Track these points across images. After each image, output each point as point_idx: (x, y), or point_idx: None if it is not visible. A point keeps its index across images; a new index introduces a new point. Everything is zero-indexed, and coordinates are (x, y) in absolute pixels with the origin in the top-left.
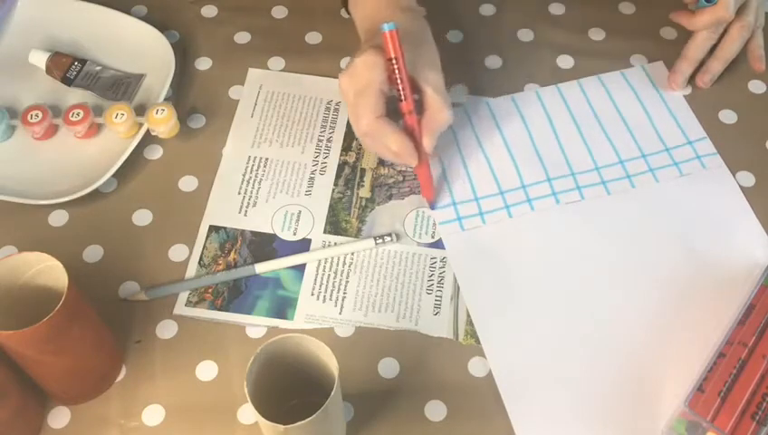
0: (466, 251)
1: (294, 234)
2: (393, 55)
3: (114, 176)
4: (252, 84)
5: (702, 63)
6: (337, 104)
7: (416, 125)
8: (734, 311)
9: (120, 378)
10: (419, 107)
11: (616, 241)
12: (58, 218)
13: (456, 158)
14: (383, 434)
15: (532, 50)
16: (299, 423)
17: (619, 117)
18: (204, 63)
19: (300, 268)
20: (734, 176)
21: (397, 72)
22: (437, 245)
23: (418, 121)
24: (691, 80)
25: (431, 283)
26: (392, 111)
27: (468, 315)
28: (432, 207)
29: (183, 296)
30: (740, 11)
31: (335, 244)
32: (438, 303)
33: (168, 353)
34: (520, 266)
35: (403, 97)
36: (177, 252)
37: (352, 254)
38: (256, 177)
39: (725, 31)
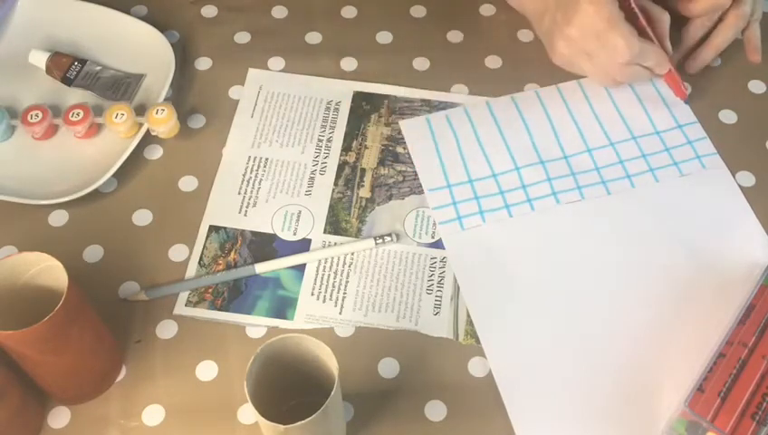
0: (466, 251)
1: (294, 234)
2: None
3: (114, 176)
4: (252, 84)
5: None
6: (337, 104)
7: (654, 35)
8: (734, 311)
9: (120, 378)
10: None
11: (616, 241)
12: (58, 218)
13: (456, 157)
14: (383, 434)
15: (532, 50)
16: (299, 423)
17: (618, 117)
18: (204, 63)
19: (300, 268)
20: (733, 176)
21: None
22: (437, 245)
23: (653, 30)
24: (686, 75)
25: (431, 283)
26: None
27: (468, 315)
28: (686, 101)
29: (183, 296)
30: (737, 0)
31: (335, 244)
32: (438, 303)
33: (168, 353)
34: (520, 266)
35: (639, 13)
36: (177, 252)
37: (352, 254)
38: (256, 177)
39: (720, 19)
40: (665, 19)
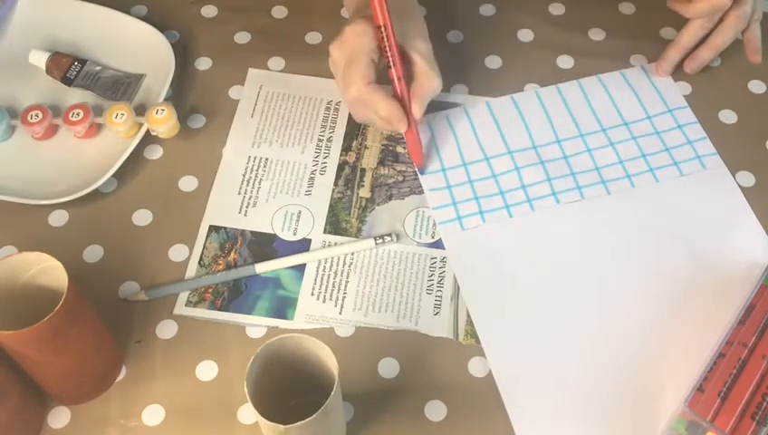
0: (466, 251)
1: (294, 234)
2: (382, 23)
3: (114, 176)
4: (252, 84)
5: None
6: (337, 104)
7: (405, 92)
8: (734, 311)
9: (120, 378)
10: (408, 76)
11: (616, 241)
12: (58, 218)
13: (456, 157)
14: (383, 434)
15: (532, 50)
16: (299, 423)
17: (618, 117)
18: (204, 63)
19: (300, 268)
20: (733, 176)
21: (385, 39)
22: (437, 245)
23: (408, 89)
24: (686, 75)
25: (431, 283)
26: (382, 80)
27: (468, 315)
28: (422, 172)
29: (183, 296)
30: (737, 0)
31: (335, 244)
32: (438, 303)
33: (168, 353)
34: (520, 266)
35: (392, 64)
36: (177, 252)
37: (352, 254)
38: (256, 177)
39: (720, 19)
40: (429, 86)
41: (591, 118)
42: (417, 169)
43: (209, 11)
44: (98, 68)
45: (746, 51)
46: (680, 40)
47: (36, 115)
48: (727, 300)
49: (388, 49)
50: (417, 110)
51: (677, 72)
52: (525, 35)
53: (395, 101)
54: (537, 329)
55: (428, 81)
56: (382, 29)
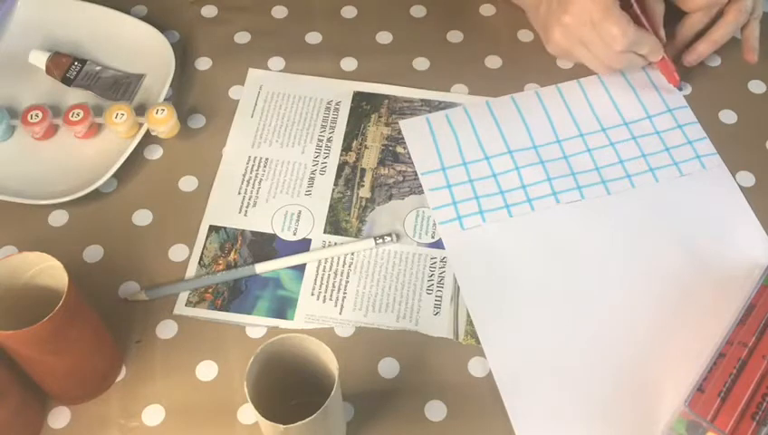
0: (466, 251)
1: (294, 234)
2: None
3: (114, 176)
4: (252, 84)
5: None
6: (337, 104)
7: (646, 23)
8: (734, 311)
9: (120, 378)
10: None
11: (616, 241)
12: (58, 218)
13: (456, 157)
14: (383, 434)
15: (532, 50)
16: (299, 423)
17: (618, 117)
18: (204, 63)
19: (300, 268)
20: (733, 176)
21: None
22: (437, 245)
23: (647, 18)
24: (687, 75)
25: (431, 283)
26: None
27: (468, 315)
28: (680, 88)
29: (183, 296)
30: None
31: (335, 244)
32: (438, 303)
33: (168, 353)
34: (520, 266)
35: (634, 1)
36: (177, 252)
37: (352, 254)
38: (256, 177)
39: (720, 14)
40: (659, 7)
41: (591, 118)
42: (675, 88)
43: (209, 11)
44: (98, 68)
45: (743, 49)
46: (677, 33)
47: (36, 115)
48: (727, 300)
49: None
50: (662, 34)
51: (678, 73)
52: (525, 35)
53: (652, 34)
54: (537, 329)
55: (655, 4)
56: None
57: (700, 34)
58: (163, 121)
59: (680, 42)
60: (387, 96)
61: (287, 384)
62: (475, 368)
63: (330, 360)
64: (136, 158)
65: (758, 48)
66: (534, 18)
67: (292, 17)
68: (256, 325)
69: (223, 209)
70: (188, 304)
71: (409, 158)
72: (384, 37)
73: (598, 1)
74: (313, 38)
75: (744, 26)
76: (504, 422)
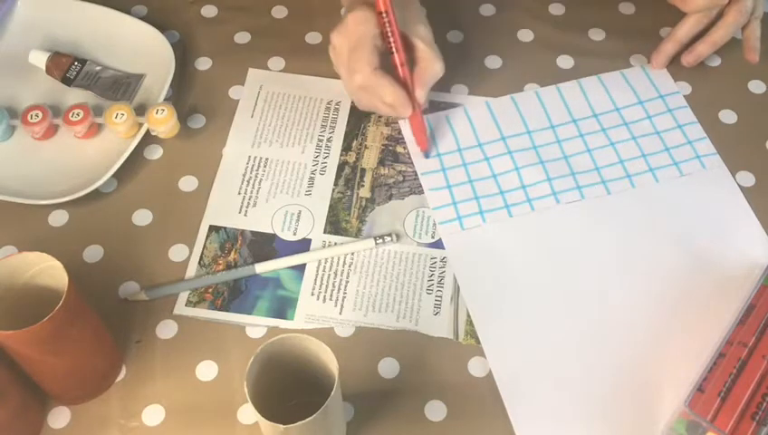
0: (466, 251)
1: (294, 234)
2: (383, 9)
3: (114, 176)
4: (252, 84)
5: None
6: (337, 104)
7: (408, 77)
8: (734, 311)
9: (120, 378)
10: (411, 61)
11: (616, 241)
12: (58, 218)
13: (456, 157)
14: (383, 434)
15: (532, 50)
16: (299, 423)
17: (618, 117)
18: (204, 63)
19: (300, 268)
20: (733, 176)
21: (387, 24)
22: (437, 245)
23: (411, 74)
24: (687, 75)
25: (431, 283)
26: (384, 66)
27: (468, 315)
28: (426, 155)
29: (183, 296)
30: None
31: (335, 244)
32: (438, 303)
33: (168, 353)
34: (520, 266)
35: (395, 49)
36: (177, 252)
37: (352, 254)
38: (256, 177)
39: (720, 15)
40: (432, 70)
41: (591, 118)
42: (422, 154)
43: (209, 11)
44: (98, 68)
45: (744, 49)
46: (676, 33)
47: (36, 115)
48: (727, 300)
49: (390, 35)
50: (421, 94)
51: (678, 72)
52: (525, 35)
53: (400, 87)
54: (537, 329)
55: (431, 65)
56: (384, 15)
57: (699, 35)
58: (163, 121)
59: (679, 42)
60: None
61: (287, 384)
62: (475, 368)
63: (330, 360)
64: (136, 158)
65: (759, 48)
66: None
67: (292, 17)
68: (256, 325)
69: (223, 209)
70: (188, 304)
71: (409, 158)
72: None
73: (359, 31)
74: (313, 38)
75: (744, 26)
76: (504, 422)
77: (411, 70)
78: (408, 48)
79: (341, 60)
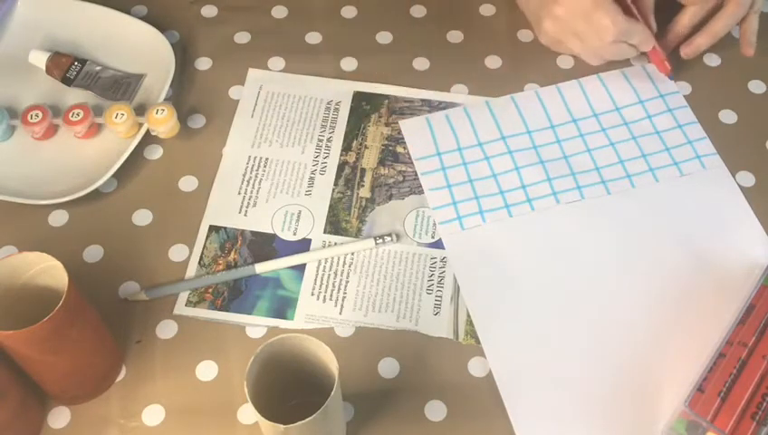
0: (466, 251)
1: (294, 234)
2: None
3: (114, 176)
4: (252, 84)
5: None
6: (337, 104)
7: (640, 12)
8: (734, 311)
9: (120, 378)
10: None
11: (616, 241)
12: (58, 218)
13: (456, 157)
14: (383, 434)
15: (532, 50)
16: (299, 423)
17: (618, 116)
18: (204, 63)
19: (300, 268)
20: (733, 176)
21: None
22: (437, 245)
23: (638, 8)
24: (686, 74)
25: (431, 283)
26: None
27: (468, 315)
28: (671, 77)
29: (183, 296)
30: None
31: (335, 244)
32: (438, 303)
33: (168, 353)
34: (520, 266)
35: None
36: (177, 252)
37: (352, 254)
38: (256, 177)
39: (720, 6)
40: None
41: (591, 117)
42: (668, 78)
43: (209, 11)
44: (98, 68)
45: (741, 43)
46: (674, 26)
47: (36, 115)
48: (727, 300)
49: None
50: (654, 24)
51: (678, 72)
52: (525, 35)
53: (644, 25)
54: (537, 329)
55: None
56: None
57: (698, 27)
58: (163, 121)
59: (678, 34)
60: (387, 96)
61: (287, 384)
62: (475, 368)
63: (330, 360)
64: (136, 158)
65: (755, 43)
66: (525, 8)
67: (292, 17)
68: (256, 325)
69: (223, 209)
70: (188, 304)
71: (409, 158)
72: (384, 37)
73: None
74: (313, 38)
75: (742, 20)
76: (504, 422)
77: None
78: None
79: (576, 25)
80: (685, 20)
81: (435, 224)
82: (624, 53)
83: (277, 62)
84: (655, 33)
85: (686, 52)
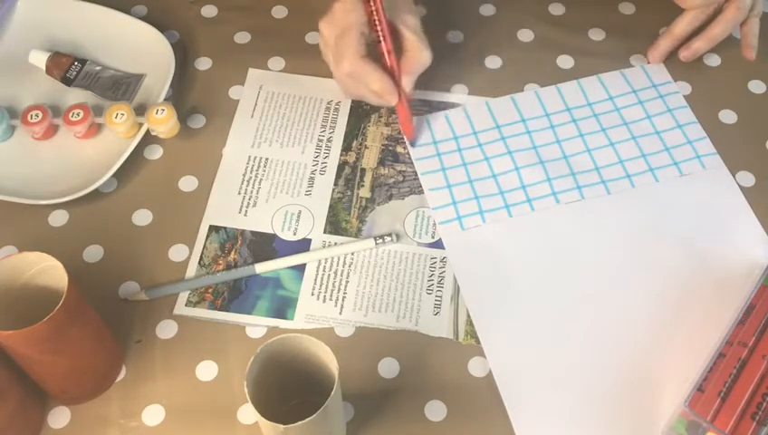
0: (466, 251)
1: (294, 234)
2: None
3: (114, 176)
4: (252, 84)
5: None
6: (337, 104)
7: (395, 65)
8: (734, 311)
9: (120, 378)
10: (398, 49)
11: (616, 241)
12: (58, 218)
13: (455, 157)
14: (383, 434)
15: (532, 50)
16: (299, 423)
17: (618, 117)
18: (204, 63)
19: (300, 268)
20: (733, 176)
21: (375, 13)
22: (437, 245)
23: (398, 62)
24: (686, 74)
25: (431, 283)
26: (371, 55)
27: (468, 315)
28: (412, 144)
29: (183, 296)
30: None
31: (335, 244)
32: (438, 303)
33: (168, 353)
34: (520, 266)
35: (382, 38)
36: (177, 252)
37: (352, 254)
38: (256, 177)
39: (720, 11)
40: (419, 59)
41: (591, 118)
42: (408, 143)
43: (209, 11)
44: (98, 68)
45: (741, 46)
46: (673, 29)
47: (36, 115)
48: (727, 300)
49: (377, 23)
50: (408, 82)
51: (678, 72)
52: (525, 35)
53: (386, 75)
54: (537, 329)
55: (418, 54)
56: (371, 2)
57: (697, 31)
58: (163, 121)
59: (677, 37)
60: None
61: (287, 384)
62: (475, 368)
63: (330, 360)
64: (136, 158)
65: (757, 46)
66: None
67: (292, 17)
68: (256, 325)
69: (223, 209)
70: (188, 304)
71: (409, 158)
72: None
73: (346, 20)
74: (313, 38)
75: (743, 23)
76: (504, 422)
77: (398, 58)
78: (396, 37)
79: (329, 48)
80: (684, 24)
81: (435, 224)
82: (365, 96)
83: (277, 62)
84: (407, 94)
85: (684, 55)
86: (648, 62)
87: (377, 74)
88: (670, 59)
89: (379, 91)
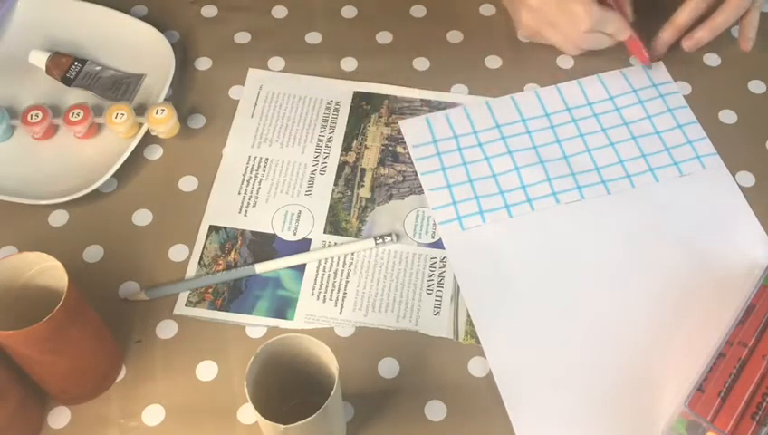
0: (466, 251)
1: (294, 234)
2: None
3: (114, 176)
4: (252, 84)
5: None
6: (337, 104)
7: (613, 2)
8: (734, 311)
9: (120, 378)
10: None
11: (616, 241)
12: (58, 218)
13: (455, 157)
14: (383, 434)
15: (533, 50)
16: (299, 423)
17: (618, 116)
18: (204, 63)
19: (300, 268)
20: (733, 176)
21: None
22: (437, 245)
23: None
24: (686, 74)
25: (431, 283)
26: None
27: (468, 315)
28: (650, 66)
29: (183, 296)
30: None
31: (335, 244)
32: (438, 303)
33: (168, 353)
34: (520, 266)
35: None
36: (177, 252)
37: (352, 254)
38: (256, 177)
39: (722, 1)
40: None
41: (591, 118)
42: (644, 67)
43: (209, 11)
44: (98, 68)
45: (739, 37)
46: (675, 20)
47: (36, 115)
48: (727, 300)
49: None
50: (630, 12)
51: (678, 72)
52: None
53: (617, 13)
54: (537, 329)
55: None
56: None
57: (699, 21)
58: (163, 121)
59: (679, 28)
60: (387, 96)
61: (287, 384)
62: (475, 368)
63: (330, 360)
64: (136, 158)
65: (754, 39)
66: (506, 2)
67: (292, 17)
68: (256, 325)
69: (223, 209)
70: (188, 304)
71: (409, 158)
72: (384, 37)
73: None
74: (313, 38)
75: (743, 15)
76: (504, 422)
77: None
78: None
79: (550, 14)
80: (686, 13)
81: (435, 224)
82: (601, 42)
83: (277, 62)
84: (631, 21)
85: (686, 45)
86: (650, 55)
87: (612, 15)
88: (670, 59)
89: (616, 30)
